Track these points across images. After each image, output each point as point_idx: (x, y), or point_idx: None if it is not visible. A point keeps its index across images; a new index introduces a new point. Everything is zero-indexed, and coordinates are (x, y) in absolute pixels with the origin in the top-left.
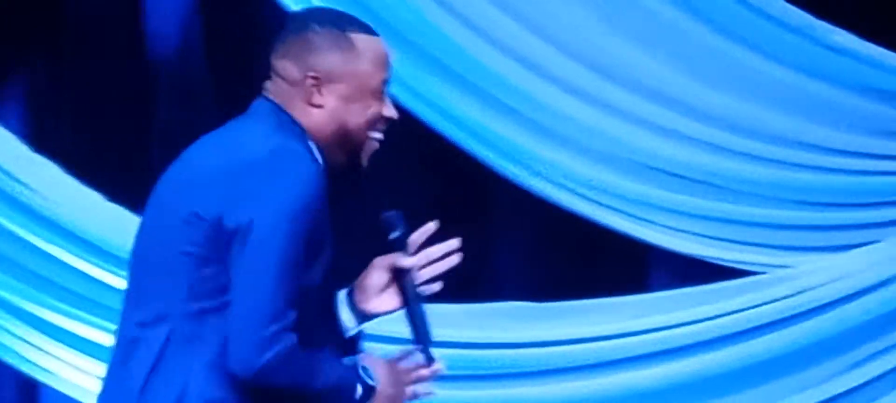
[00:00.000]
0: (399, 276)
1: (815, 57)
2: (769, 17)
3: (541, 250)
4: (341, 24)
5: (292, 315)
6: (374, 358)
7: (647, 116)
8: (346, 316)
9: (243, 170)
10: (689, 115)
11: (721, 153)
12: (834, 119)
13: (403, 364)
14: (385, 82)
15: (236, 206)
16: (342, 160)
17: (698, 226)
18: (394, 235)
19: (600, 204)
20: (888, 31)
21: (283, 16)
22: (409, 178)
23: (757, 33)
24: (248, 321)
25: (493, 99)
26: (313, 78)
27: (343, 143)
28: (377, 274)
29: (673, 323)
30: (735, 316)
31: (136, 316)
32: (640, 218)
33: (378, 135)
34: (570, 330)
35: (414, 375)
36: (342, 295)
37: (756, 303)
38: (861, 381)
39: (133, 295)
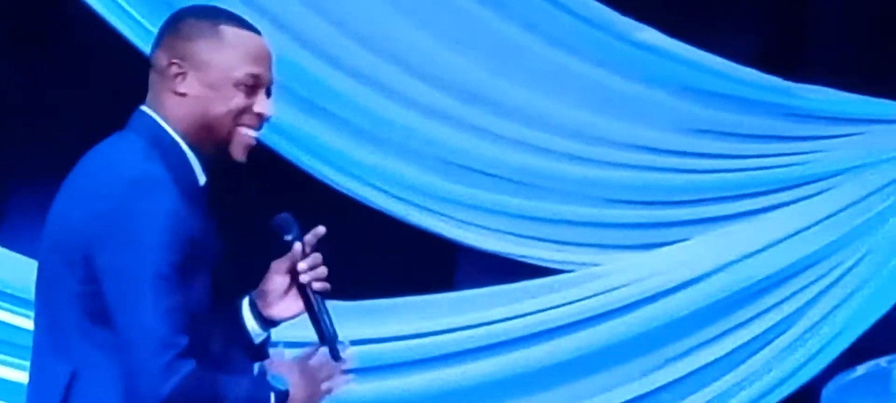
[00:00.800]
0: (298, 278)
1: (621, 54)
2: (575, 15)
3: (350, 249)
4: (217, 17)
5: (184, 340)
6: (284, 363)
7: (454, 114)
8: (251, 324)
9: (103, 207)
10: (497, 113)
11: (528, 150)
12: (641, 116)
13: (314, 363)
14: (254, 77)
15: (101, 245)
16: (211, 151)
17: (506, 224)
18: (288, 238)
19: (409, 202)
20: (694, 27)
21: None
22: (216, 177)
23: (563, 30)
24: (139, 355)
25: (303, 99)
26: (177, 65)
27: (207, 134)
28: (276, 278)
29: (482, 321)
30: (543, 314)
31: (42, 355)
32: (448, 217)
33: (251, 131)
34: (379, 329)
35: (326, 371)
36: (245, 303)
37: (564, 302)
38: (669, 379)
39: (38, 335)
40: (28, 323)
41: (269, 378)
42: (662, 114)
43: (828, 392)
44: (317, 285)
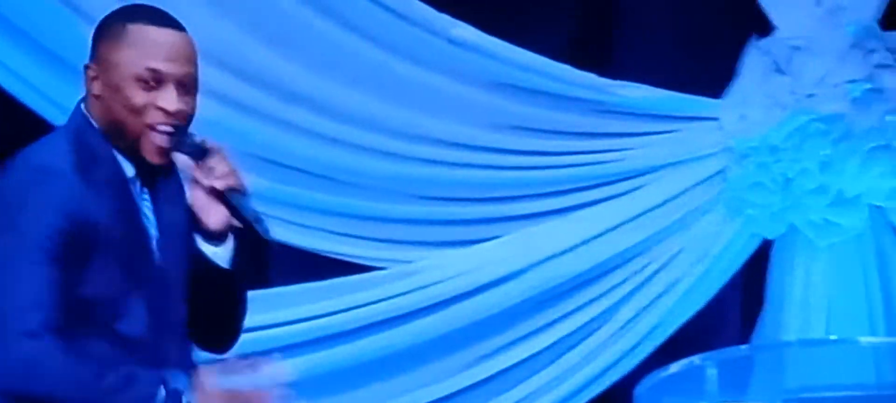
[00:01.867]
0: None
1: (437, 50)
2: (390, 11)
3: None
4: (130, 17)
5: (44, 314)
6: (212, 392)
7: (267, 110)
8: (206, 248)
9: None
10: (310, 110)
11: (341, 147)
12: (455, 113)
13: (242, 394)
14: (153, 71)
15: None
16: (124, 149)
17: (319, 221)
18: (193, 142)
19: None
20: (509, 24)
21: None
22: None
23: (378, 27)
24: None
25: None
26: (90, 67)
27: (116, 134)
28: (196, 194)
29: (294, 318)
30: (355, 311)
31: None
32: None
33: (161, 129)
34: None
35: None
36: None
37: (376, 299)
38: (482, 377)
39: None
40: None
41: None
42: (477, 111)
43: (641, 389)
44: (225, 184)
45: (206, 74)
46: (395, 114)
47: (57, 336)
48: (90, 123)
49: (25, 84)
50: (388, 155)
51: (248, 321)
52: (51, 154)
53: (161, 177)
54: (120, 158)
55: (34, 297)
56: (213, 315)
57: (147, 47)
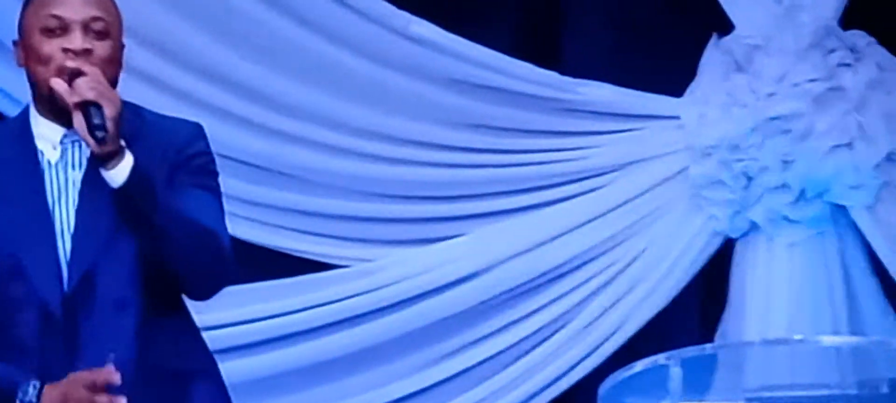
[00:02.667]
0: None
1: (394, 47)
2: (348, 7)
3: None
4: None
5: None
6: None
7: (227, 108)
8: (108, 177)
9: None
10: (269, 107)
11: (301, 144)
12: (415, 111)
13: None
14: (56, 17)
15: None
16: (61, 120)
17: (279, 218)
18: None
19: None
20: (469, 21)
21: None
22: None
23: (336, 23)
24: None
25: None
26: (18, 42)
27: (42, 96)
28: (75, 121)
29: (255, 316)
30: (315, 310)
31: None
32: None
33: (67, 65)
34: None
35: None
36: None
37: (339, 297)
38: (444, 376)
39: None
40: None
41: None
42: (437, 109)
43: (605, 388)
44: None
45: (160, 69)
46: (355, 112)
47: None
48: (27, 108)
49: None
50: (348, 153)
51: (204, 319)
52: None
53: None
54: (48, 132)
55: None
56: (155, 248)
57: (48, 1)
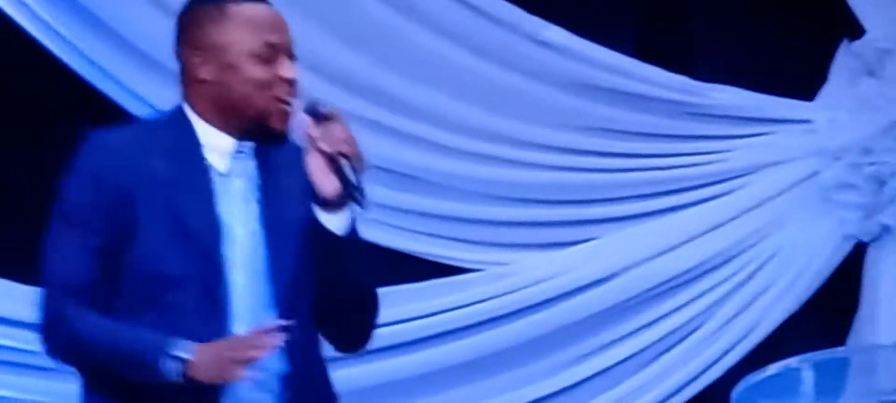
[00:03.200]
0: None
1: (528, 53)
2: (480, 13)
3: None
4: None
5: (63, 278)
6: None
7: (362, 113)
8: (326, 219)
9: None
10: (403, 113)
11: (436, 150)
12: (548, 116)
13: (232, 340)
14: (269, 45)
15: None
16: (249, 129)
17: (413, 222)
18: (319, 111)
19: None
20: (597, 26)
21: None
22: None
23: (468, 29)
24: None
25: None
26: (194, 53)
27: (237, 113)
28: (312, 159)
29: (388, 320)
30: (452, 313)
31: None
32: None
33: (286, 102)
34: None
35: (244, 350)
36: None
37: (473, 300)
38: (579, 378)
39: None
40: None
41: (166, 341)
42: (569, 114)
43: (738, 391)
44: (339, 149)
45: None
46: (488, 118)
47: (87, 298)
48: (181, 112)
49: (113, 80)
50: (482, 157)
51: None
52: (111, 132)
53: (277, 167)
54: (205, 147)
55: (70, 260)
56: (334, 296)
57: (255, 23)
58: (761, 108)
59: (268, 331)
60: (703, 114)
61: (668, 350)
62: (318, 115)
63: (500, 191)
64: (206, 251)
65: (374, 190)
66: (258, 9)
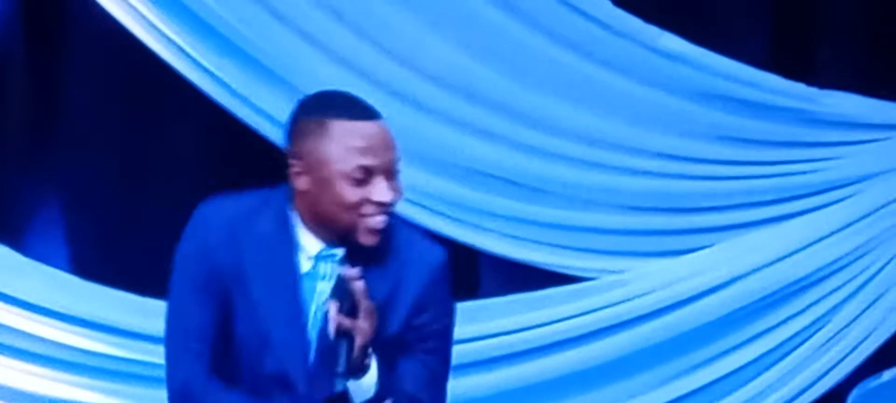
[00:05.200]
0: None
1: (644, 61)
2: (596, 21)
3: None
4: (325, 111)
5: (190, 352)
6: None
7: (477, 122)
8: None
9: None
10: (519, 121)
11: (552, 159)
12: (663, 124)
13: None
14: (364, 169)
15: None
16: (333, 239)
17: (529, 232)
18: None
19: (434, 211)
20: (711, 33)
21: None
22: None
23: (584, 37)
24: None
25: None
26: (292, 162)
27: (325, 225)
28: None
29: (505, 329)
30: (567, 322)
31: None
32: (470, 224)
33: (375, 219)
34: None
35: None
36: None
37: (588, 309)
38: (694, 387)
39: None
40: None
41: None
42: (684, 121)
43: (854, 397)
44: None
45: (407, 82)
46: (602, 125)
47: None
48: (285, 201)
49: (239, 97)
50: (597, 166)
51: (459, 332)
52: (221, 210)
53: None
54: (310, 245)
55: (195, 326)
56: None
57: (353, 144)
58: (876, 114)
59: None
60: (817, 120)
61: (784, 357)
62: (349, 308)
63: (615, 198)
64: (285, 357)
65: (490, 199)
66: (359, 127)
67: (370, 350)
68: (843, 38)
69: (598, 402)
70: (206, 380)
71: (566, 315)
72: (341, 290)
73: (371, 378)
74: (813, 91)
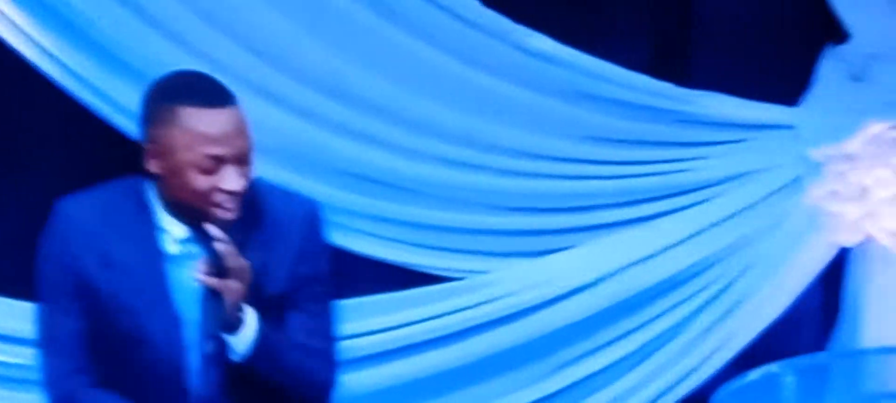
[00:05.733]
0: None
1: (512, 61)
2: (466, 22)
3: None
4: (175, 97)
5: (64, 369)
6: None
7: (347, 123)
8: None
9: None
10: (388, 121)
11: (418, 158)
12: (530, 123)
13: None
14: (212, 157)
15: None
16: (192, 220)
17: (395, 232)
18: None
19: None
20: (584, 34)
21: None
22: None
23: (455, 38)
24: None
25: None
26: (145, 146)
27: (180, 210)
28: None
29: (370, 329)
30: (432, 321)
31: None
32: (339, 225)
33: (226, 206)
34: None
35: None
36: None
37: (454, 309)
38: (559, 387)
39: None
40: None
41: None
42: (553, 121)
43: (718, 397)
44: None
45: (278, 83)
46: (470, 125)
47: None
48: (143, 188)
49: (91, 88)
50: (464, 165)
51: None
52: (80, 207)
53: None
54: (173, 228)
55: (66, 338)
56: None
57: (202, 131)
58: (744, 114)
59: None
60: (687, 121)
61: (648, 357)
62: (222, 271)
63: (482, 198)
64: (162, 345)
65: (356, 199)
66: (210, 116)
67: (243, 305)
68: (718, 40)
69: (463, 402)
70: (85, 394)
71: (431, 314)
72: (209, 253)
73: (248, 331)
74: (683, 91)
